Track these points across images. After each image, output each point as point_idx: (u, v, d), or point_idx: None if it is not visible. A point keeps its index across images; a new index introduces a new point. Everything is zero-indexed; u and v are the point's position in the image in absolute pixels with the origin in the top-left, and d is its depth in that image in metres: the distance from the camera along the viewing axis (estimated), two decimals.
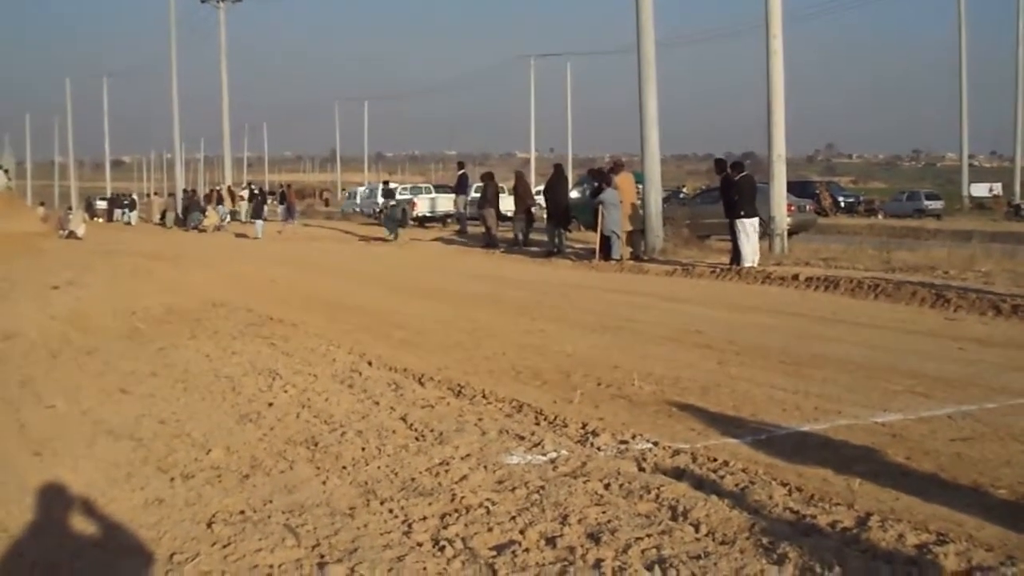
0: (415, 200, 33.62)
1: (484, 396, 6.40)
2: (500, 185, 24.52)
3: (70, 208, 44.67)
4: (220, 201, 38.62)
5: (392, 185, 29.92)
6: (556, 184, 20.76)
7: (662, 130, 18.11)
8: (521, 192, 22.40)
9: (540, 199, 24.38)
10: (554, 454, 4.96)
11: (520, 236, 21.97)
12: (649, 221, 17.96)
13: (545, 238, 20.53)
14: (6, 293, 13.85)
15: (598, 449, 5.05)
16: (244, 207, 38.15)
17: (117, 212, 47.61)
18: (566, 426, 5.55)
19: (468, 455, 4.99)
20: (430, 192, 35.74)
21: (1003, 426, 5.49)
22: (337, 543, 3.83)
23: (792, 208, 19.67)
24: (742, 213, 15.07)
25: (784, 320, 10.06)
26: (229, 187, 42.23)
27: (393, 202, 26.87)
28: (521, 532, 3.87)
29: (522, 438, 5.30)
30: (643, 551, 3.65)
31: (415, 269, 17.91)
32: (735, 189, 15.36)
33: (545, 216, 21.68)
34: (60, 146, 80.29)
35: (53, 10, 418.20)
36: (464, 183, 27.52)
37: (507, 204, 25.04)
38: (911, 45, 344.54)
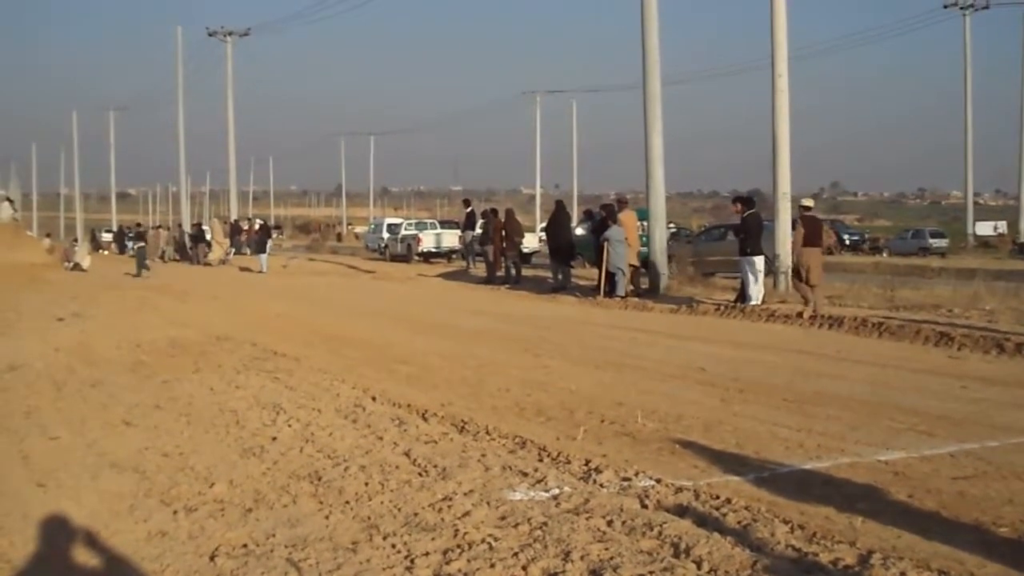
0: (420, 236, 33.82)
1: (487, 432, 6.41)
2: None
3: (75, 240, 44.96)
4: (238, 232, 38.74)
5: (141, 228, 30.82)
6: (558, 221, 20.85)
7: (667, 167, 18.22)
8: (509, 231, 22.47)
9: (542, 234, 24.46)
10: (557, 490, 4.96)
11: (512, 272, 22.09)
12: (654, 258, 18.00)
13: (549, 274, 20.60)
14: (11, 324, 13.89)
15: (601, 486, 5.05)
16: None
17: (128, 245, 47.82)
18: (569, 462, 5.55)
19: (471, 491, 4.99)
20: (435, 228, 35.96)
21: (1005, 464, 5.50)
22: None
23: None
24: (748, 251, 14.99)
25: (787, 358, 10.07)
26: (236, 221, 42.39)
27: (142, 243, 28.28)
28: (524, 568, 3.87)
29: (525, 474, 5.30)
30: None
31: (419, 304, 17.94)
32: (741, 226, 15.31)
33: (548, 253, 21.74)
34: (66, 178, 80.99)
35: (60, 42, 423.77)
36: (472, 220, 27.70)
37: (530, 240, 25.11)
38: (916, 84, 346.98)
